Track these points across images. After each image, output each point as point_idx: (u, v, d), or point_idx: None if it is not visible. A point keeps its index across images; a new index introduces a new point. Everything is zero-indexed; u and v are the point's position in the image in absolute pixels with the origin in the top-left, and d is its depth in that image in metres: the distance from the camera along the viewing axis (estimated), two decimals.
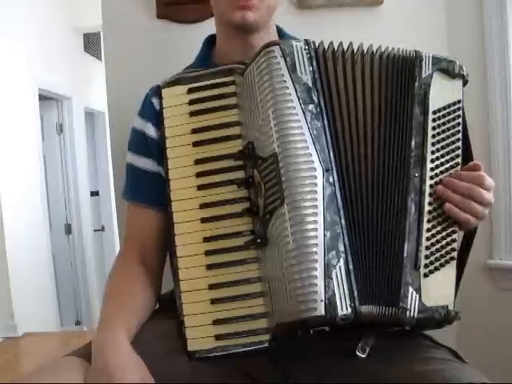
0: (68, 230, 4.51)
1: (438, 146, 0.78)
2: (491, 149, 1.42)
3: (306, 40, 0.78)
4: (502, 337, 1.41)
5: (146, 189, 0.94)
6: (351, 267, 0.70)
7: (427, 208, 0.75)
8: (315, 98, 0.75)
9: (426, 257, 0.74)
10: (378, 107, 0.78)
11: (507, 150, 1.41)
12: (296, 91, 0.74)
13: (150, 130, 0.94)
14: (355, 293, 0.69)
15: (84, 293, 4.61)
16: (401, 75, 0.79)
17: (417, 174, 0.76)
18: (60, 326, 4.18)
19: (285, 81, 0.75)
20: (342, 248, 0.70)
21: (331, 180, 0.72)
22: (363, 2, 1.35)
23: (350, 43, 0.78)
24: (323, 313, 0.67)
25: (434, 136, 0.77)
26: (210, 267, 0.79)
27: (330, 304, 0.67)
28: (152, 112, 0.94)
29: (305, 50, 0.77)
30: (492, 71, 1.41)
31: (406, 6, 1.38)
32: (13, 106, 3.64)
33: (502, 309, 1.42)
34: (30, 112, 3.88)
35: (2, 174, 3.43)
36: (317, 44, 0.78)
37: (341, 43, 0.78)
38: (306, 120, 0.74)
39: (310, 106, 0.75)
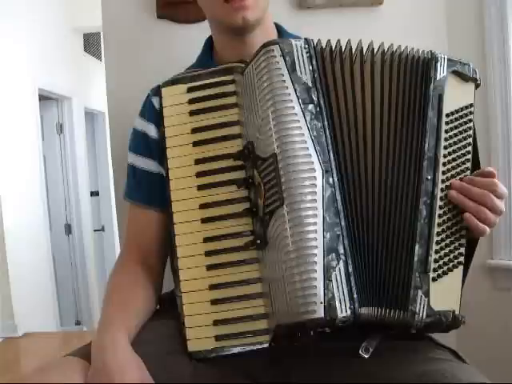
0: (68, 230, 4.52)
1: (450, 149, 0.77)
2: (491, 149, 1.42)
3: (305, 39, 0.77)
4: (502, 337, 1.41)
5: (147, 189, 0.94)
6: (351, 269, 0.69)
7: (438, 211, 0.75)
8: (315, 98, 0.75)
9: (435, 261, 0.73)
10: (380, 107, 0.77)
11: (507, 150, 1.41)
12: (295, 91, 0.74)
13: (152, 131, 0.94)
14: (355, 295, 0.69)
15: (84, 293, 4.61)
16: (415, 76, 0.78)
17: (429, 177, 0.75)
18: (60, 326, 4.18)
19: (284, 80, 0.74)
20: (341, 250, 0.69)
21: (331, 181, 0.72)
22: (363, 2, 1.35)
23: (348, 41, 0.77)
24: (322, 315, 0.66)
25: (446, 139, 0.77)
26: (210, 268, 0.79)
27: (330, 306, 0.66)
28: (152, 112, 0.94)
29: (305, 49, 0.76)
30: (492, 71, 1.41)
31: (406, 6, 1.38)
32: (13, 106, 3.65)
33: (501, 309, 1.42)
34: (30, 112, 3.88)
35: (1, 173, 3.43)
36: (317, 43, 0.77)
37: (338, 41, 0.77)
38: (306, 120, 0.73)
39: (310, 106, 0.74)
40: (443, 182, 0.76)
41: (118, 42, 1.38)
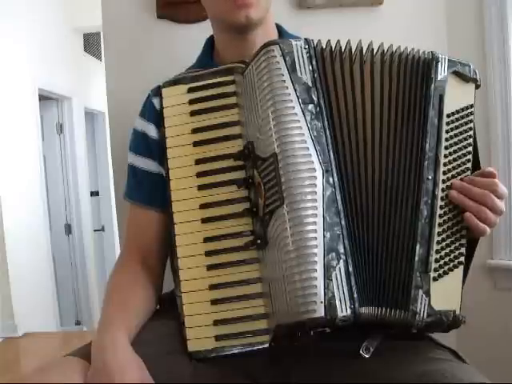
0: (68, 230, 4.51)
1: (451, 149, 0.77)
2: (491, 149, 1.42)
3: (305, 39, 0.77)
4: (502, 337, 1.41)
5: (147, 189, 0.94)
6: (351, 269, 0.69)
7: (439, 211, 0.75)
8: (315, 98, 0.75)
9: (436, 260, 0.74)
10: (380, 107, 0.77)
11: (507, 150, 1.41)
12: (295, 91, 0.74)
13: (152, 131, 0.94)
14: (355, 294, 0.69)
15: (84, 293, 4.61)
16: (416, 76, 0.78)
17: (430, 177, 0.75)
18: (60, 326, 4.18)
19: (284, 81, 0.74)
20: (341, 249, 0.69)
21: (331, 181, 0.72)
22: (363, 2, 1.35)
23: (348, 41, 0.77)
24: (323, 314, 0.66)
25: (446, 139, 0.77)
26: (210, 268, 0.79)
27: (330, 306, 0.66)
28: (153, 112, 0.95)
29: (305, 49, 0.76)
30: (492, 71, 1.41)
31: (406, 6, 1.38)
32: (13, 106, 3.65)
33: (501, 309, 1.42)
34: (30, 112, 3.88)
35: (2, 173, 3.43)
36: (317, 43, 0.77)
37: (338, 41, 0.77)
38: (306, 120, 0.73)
39: (310, 106, 0.74)
40: (444, 181, 0.76)
41: (117, 41, 1.38)
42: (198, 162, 0.82)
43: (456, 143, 0.78)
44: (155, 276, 0.92)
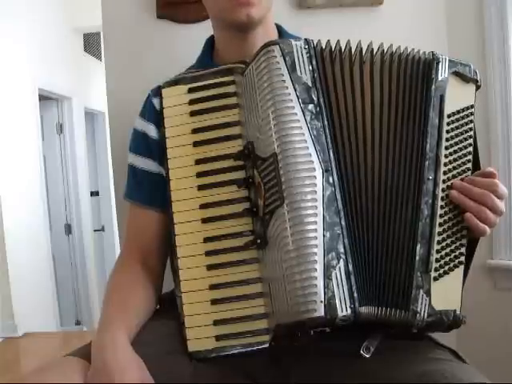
0: (68, 230, 4.52)
1: (451, 149, 0.77)
2: (491, 149, 1.42)
3: (305, 39, 0.77)
4: (502, 337, 1.41)
5: (147, 189, 0.94)
6: (351, 268, 0.69)
7: (439, 211, 0.75)
8: (315, 98, 0.75)
9: (437, 260, 0.74)
10: (380, 107, 0.77)
11: (507, 150, 1.41)
12: (295, 91, 0.74)
13: (152, 131, 0.94)
14: (355, 294, 0.69)
15: (84, 293, 4.61)
16: (416, 76, 0.78)
17: (430, 177, 0.75)
18: (60, 326, 4.18)
19: (284, 81, 0.74)
20: (341, 249, 0.69)
21: (331, 180, 0.72)
22: (363, 2, 1.35)
23: (348, 41, 0.77)
24: (323, 314, 0.66)
25: (447, 140, 0.77)
26: (210, 267, 0.79)
27: (330, 305, 0.66)
28: (153, 112, 0.95)
29: (305, 49, 0.76)
30: (492, 71, 1.41)
31: (406, 6, 1.38)
32: (13, 106, 3.65)
33: (501, 309, 1.42)
34: (30, 112, 3.88)
35: (2, 173, 3.43)
36: (316, 43, 0.78)
37: (338, 42, 0.78)
38: (306, 120, 0.73)
39: (310, 106, 0.74)
40: (444, 182, 0.76)
41: (117, 41, 1.38)
42: (198, 162, 0.82)
43: (456, 143, 0.78)
44: (155, 276, 0.92)
